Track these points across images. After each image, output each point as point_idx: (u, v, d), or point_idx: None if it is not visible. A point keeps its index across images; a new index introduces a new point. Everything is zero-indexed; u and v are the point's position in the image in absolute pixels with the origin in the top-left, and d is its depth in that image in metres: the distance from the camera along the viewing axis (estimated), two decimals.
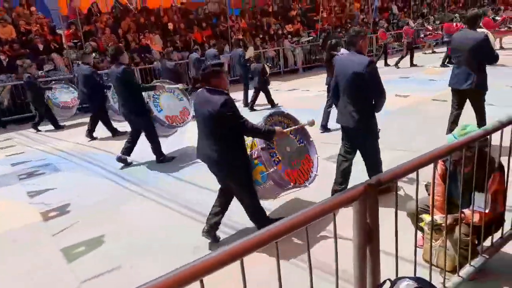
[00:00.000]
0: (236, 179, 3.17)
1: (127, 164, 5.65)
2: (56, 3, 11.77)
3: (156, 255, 3.33)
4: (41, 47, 10.56)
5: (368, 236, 1.63)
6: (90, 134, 7.38)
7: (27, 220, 4.25)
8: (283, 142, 3.52)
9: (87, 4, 12.79)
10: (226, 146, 3.04)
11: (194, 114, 3.35)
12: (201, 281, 1.21)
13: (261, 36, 14.59)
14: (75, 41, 10.89)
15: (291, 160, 3.52)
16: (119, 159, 5.60)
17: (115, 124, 7.54)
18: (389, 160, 4.00)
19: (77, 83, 8.39)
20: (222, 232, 3.49)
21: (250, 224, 3.46)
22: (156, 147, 5.57)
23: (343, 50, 4.59)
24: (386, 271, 1.78)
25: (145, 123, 5.40)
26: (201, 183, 4.66)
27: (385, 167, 4.41)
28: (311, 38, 15.19)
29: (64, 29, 10.66)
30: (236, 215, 3.62)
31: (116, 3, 13.34)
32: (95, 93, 7.07)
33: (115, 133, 7.44)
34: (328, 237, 3.26)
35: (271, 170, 3.17)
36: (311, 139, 3.83)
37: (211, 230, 3.30)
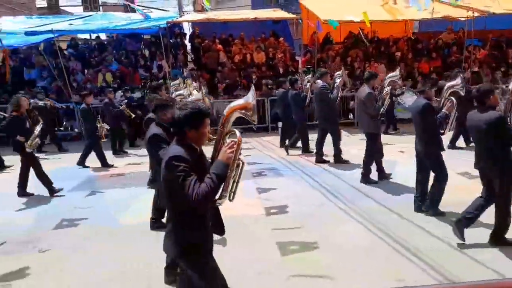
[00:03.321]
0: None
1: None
2: (300, 34, 13.74)
3: (353, 272, 3.54)
4: (281, 70, 12.56)
5: None
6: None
7: (255, 211, 5.22)
8: None
9: (324, 34, 14.32)
10: None
11: None
12: None
13: (502, 69, 12.60)
14: (308, 66, 12.41)
15: None
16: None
17: None
18: None
19: None
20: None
21: None
22: None
23: None
24: None
25: None
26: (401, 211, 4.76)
27: None
28: None
29: (302, 56, 12.32)
30: None
31: (352, 34, 14.29)
32: None
33: None
34: None
35: None
36: None
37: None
